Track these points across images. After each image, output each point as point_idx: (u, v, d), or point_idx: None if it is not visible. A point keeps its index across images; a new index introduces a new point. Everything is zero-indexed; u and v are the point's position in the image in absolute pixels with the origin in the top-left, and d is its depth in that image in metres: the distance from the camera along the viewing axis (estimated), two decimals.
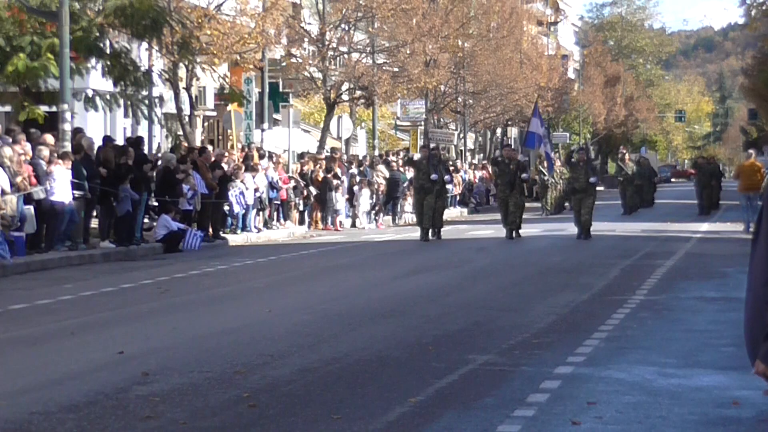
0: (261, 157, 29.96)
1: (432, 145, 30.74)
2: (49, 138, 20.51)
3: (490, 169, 43.69)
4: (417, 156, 27.07)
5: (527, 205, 46.15)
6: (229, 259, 20.49)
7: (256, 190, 27.89)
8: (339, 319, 12.01)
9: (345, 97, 42.90)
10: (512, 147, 30.69)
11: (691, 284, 16.04)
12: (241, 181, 27.03)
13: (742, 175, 29.28)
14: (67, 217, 20.08)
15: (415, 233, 26.55)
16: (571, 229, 26.48)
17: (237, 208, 26.94)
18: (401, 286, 15.98)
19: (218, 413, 7.34)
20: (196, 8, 30.59)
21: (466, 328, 11.36)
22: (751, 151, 32.96)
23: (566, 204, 40.38)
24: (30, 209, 19.21)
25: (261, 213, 28.91)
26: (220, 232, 25.95)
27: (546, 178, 41.02)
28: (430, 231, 25.92)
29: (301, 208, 31.60)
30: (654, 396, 7.92)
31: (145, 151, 25.95)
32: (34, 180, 19.48)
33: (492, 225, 27.28)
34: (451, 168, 46.83)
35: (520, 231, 26.41)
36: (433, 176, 25.74)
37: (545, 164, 38.68)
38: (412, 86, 45.05)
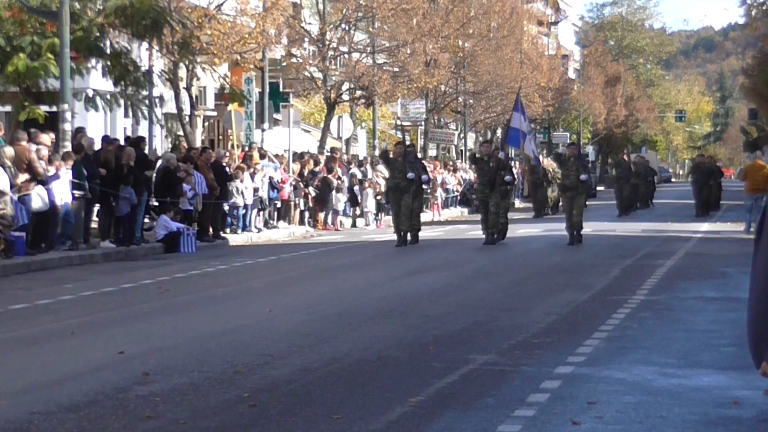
0: (262, 157, 29.98)
1: (407, 143, 28.80)
2: (45, 138, 20.48)
3: (469, 166, 42.82)
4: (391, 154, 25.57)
5: (523, 205, 46.29)
6: (229, 259, 20.49)
7: (256, 190, 27.91)
8: (339, 319, 12.01)
9: (345, 97, 42.93)
10: (491, 143, 28.13)
11: (692, 284, 16.04)
12: (241, 181, 27.04)
13: (749, 175, 29.18)
14: (65, 218, 20.10)
15: None
16: None
17: (239, 201, 26.93)
18: (401, 286, 15.98)
19: (218, 413, 7.34)
20: (196, 8, 30.61)
21: (467, 328, 11.36)
22: (758, 152, 32.86)
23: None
24: (39, 191, 19.21)
25: (261, 213, 28.92)
26: (221, 232, 25.95)
27: (537, 175, 40.63)
28: (408, 234, 24.33)
29: (301, 207, 31.62)
30: (654, 396, 7.92)
31: (146, 151, 25.93)
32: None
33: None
34: (451, 166, 46.91)
35: (504, 235, 24.76)
36: (410, 175, 24.22)
37: (533, 163, 36.99)
38: (413, 86, 45.08)
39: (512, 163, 51.00)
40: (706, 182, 39.70)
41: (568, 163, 24.88)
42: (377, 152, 43.41)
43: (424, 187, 26.64)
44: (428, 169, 31.42)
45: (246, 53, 31.81)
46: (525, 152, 29.09)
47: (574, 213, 24.20)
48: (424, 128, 53.55)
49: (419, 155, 47.24)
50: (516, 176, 50.71)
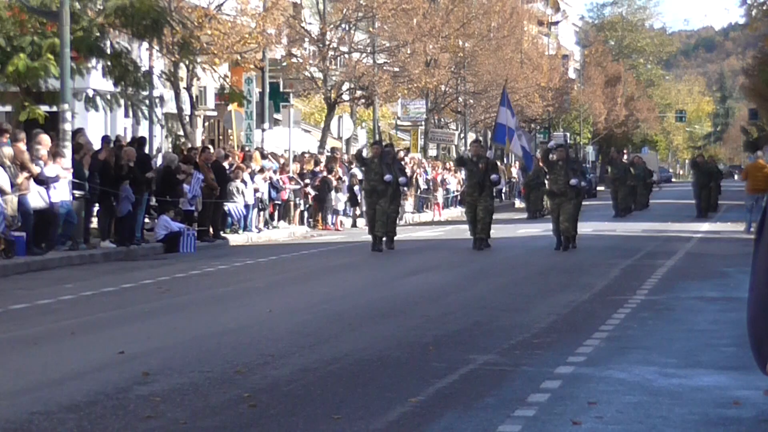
0: (264, 157, 29.97)
1: (385, 143, 27.14)
2: (44, 139, 20.47)
3: (455, 167, 41.85)
4: (366, 152, 23.95)
5: (523, 205, 46.21)
6: (229, 259, 20.49)
7: (256, 190, 27.90)
8: (339, 319, 12.01)
9: (345, 97, 42.97)
10: (480, 143, 26.33)
11: (692, 284, 16.04)
12: (242, 181, 27.03)
13: (749, 175, 29.19)
14: (66, 219, 20.09)
15: (415, 233, 26.23)
16: None
17: (240, 201, 26.91)
18: (401, 286, 15.98)
19: (219, 413, 7.33)
20: (196, 8, 30.63)
21: (467, 328, 11.36)
22: (759, 152, 32.81)
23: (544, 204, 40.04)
24: (38, 190, 19.24)
25: (262, 213, 28.91)
26: (221, 232, 25.95)
27: (531, 176, 40.28)
28: (384, 239, 23.01)
29: (301, 207, 31.63)
30: (655, 396, 7.92)
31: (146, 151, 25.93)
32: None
33: (492, 225, 27.06)
34: (452, 166, 46.85)
35: (490, 240, 23.37)
36: (387, 177, 22.68)
37: (522, 161, 35.23)
38: (413, 86, 45.13)
39: (514, 162, 51.15)
40: (706, 183, 39.54)
41: (556, 167, 23.06)
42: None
43: (404, 189, 24.84)
44: (406, 170, 30.28)
45: (246, 53, 31.82)
46: (512, 150, 27.79)
47: (562, 219, 22.53)
48: (424, 128, 53.56)
49: (419, 155, 47.47)
50: (517, 175, 50.87)
